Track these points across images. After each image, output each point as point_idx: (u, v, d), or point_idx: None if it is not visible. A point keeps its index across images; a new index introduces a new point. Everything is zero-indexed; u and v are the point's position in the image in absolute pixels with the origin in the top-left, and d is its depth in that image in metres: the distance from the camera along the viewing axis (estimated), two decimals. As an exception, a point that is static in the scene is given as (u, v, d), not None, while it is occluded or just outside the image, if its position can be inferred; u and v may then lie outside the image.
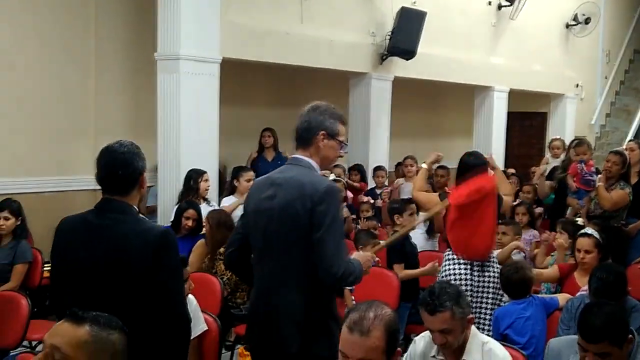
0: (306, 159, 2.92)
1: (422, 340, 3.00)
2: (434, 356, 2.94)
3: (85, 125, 6.82)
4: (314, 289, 2.79)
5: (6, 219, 4.93)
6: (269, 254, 2.88)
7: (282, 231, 2.82)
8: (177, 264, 2.65)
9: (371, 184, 8.04)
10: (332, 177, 6.82)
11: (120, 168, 2.59)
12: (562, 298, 4.03)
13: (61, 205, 6.63)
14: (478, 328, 4.02)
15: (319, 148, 2.92)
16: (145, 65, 6.47)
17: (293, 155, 2.98)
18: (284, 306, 2.81)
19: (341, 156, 3.12)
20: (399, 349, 2.30)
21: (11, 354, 3.81)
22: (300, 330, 2.78)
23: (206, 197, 6.01)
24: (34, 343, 4.43)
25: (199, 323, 3.55)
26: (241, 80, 7.90)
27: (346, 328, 2.23)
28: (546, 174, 7.19)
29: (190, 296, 3.61)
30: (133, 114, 7.08)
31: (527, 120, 12.01)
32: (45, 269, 5.24)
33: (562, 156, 7.28)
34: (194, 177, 5.90)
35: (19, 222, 4.98)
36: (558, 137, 8.23)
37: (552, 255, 5.11)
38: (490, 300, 4.15)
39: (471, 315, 2.91)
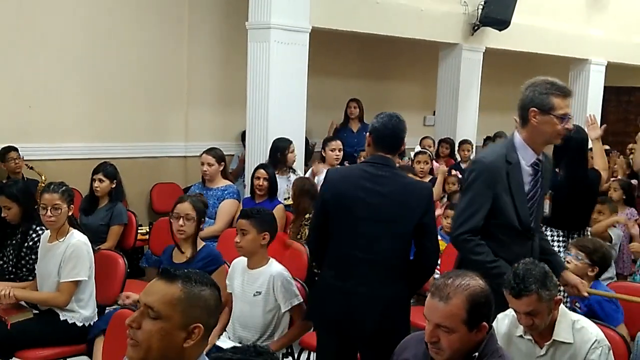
0: (516, 133, 3.08)
1: (505, 319, 2.92)
2: (520, 336, 2.86)
3: (178, 93, 7.00)
4: None
5: (101, 181, 5.07)
6: None
7: None
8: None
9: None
10: (417, 149, 6.74)
11: (401, 132, 3.16)
12: None
13: (154, 170, 6.90)
14: (571, 307, 3.91)
15: (533, 125, 3.01)
16: (236, 35, 6.55)
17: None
18: None
19: (568, 130, 3.11)
20: (484, 323, 2.26)
21: (107, 310, 3.99)
22: None
23: (292, 166, 6.05)
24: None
25: (293, 295, 3.56)
26: (329, 50, 7.89)
27: (430, 293, 2.27)
28: None
29: (277, 270, 3.57)
30: (224, 83, 7.20)
31: (625, 95, 11.47)
32: (139, 231, 5.44)
33: None
34: (281, 149, 5.92)
35: (113, 185, 5.12)
36: None
37: None
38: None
39: (559, 296, 2.81)
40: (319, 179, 5.82)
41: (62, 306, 3.74)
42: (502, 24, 7.78)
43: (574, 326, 2.80)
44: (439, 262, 3.68)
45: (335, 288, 3.11)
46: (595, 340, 2.75)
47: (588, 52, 9.53)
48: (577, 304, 3.70)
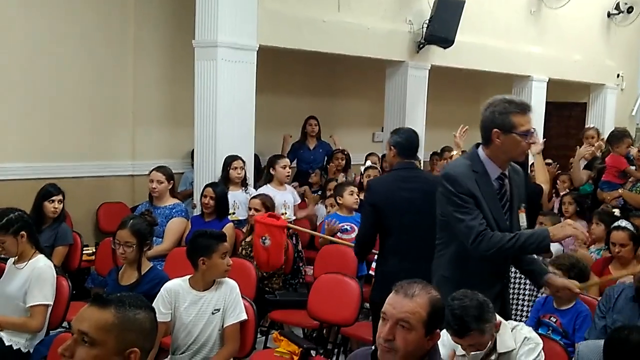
0: (481, 151, 3.08)
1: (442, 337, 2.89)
2: (463, 355, 2.90)
3: (124, 112, 6.92)
4: None
5: (60, 202, 5.07)
6: None
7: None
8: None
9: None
10: (368, 163, 6.81)
11: (417, 142, 3.99)
12: None
13: (99, 190, 6.79)
14: (516, 315, 4.03)
15: (496, 145, 3.01)
16: (183, 53, 6.52)
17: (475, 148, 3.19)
18: None
19: (533, 142, 3.26)
20: (438, 330, 2.30)
21: (51, 333, 3.90)
22: None
23: (246, 183, 6.03)
24: (73, 324, 4.50)
25: (241, 310, 3.60)
26: (278, 68, 7.92)
27: (393, 291, 2.28)
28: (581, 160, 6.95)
29: (233, 283, 3.65)
30: (171, 101, 7.16)
31: (566, 110, 11.79)
32: (85, 251, 5.34)
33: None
34: (223, 165, 5.93)
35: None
36: (592, 125, 8.07)
37: (599, 249, 5.03)
38: (527, 286, 4.14)
39: (498, 319, 2.89)
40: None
41: (34, 331, 3.70)
42: (446, 42, 7.94)
43: (515, 332, 2.92)
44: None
45: (403, 268, 3.56)
46: (525, 337, 2.87)
47: (530, 69, 9.80)
48: (551, 317, 3.75)
